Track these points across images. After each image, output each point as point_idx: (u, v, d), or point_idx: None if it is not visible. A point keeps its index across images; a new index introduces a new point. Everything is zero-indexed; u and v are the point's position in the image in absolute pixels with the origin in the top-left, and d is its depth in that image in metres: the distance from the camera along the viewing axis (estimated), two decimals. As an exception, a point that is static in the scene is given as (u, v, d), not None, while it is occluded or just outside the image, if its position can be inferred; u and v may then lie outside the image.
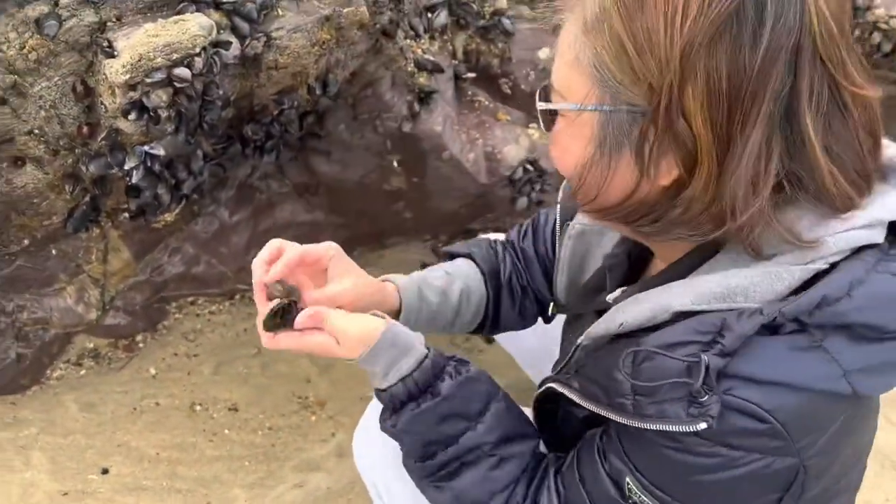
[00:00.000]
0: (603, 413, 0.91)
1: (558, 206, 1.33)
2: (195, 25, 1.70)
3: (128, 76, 1.67)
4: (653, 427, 0.83)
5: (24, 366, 2.26)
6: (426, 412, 1.02)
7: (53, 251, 2.43)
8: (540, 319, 1.51)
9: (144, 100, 1.72)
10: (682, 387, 0.80)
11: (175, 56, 1.68)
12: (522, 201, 2.55)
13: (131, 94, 1.73)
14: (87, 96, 1.91)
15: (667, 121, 0.81)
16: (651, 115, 0.82)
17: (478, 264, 1.41)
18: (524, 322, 1.48)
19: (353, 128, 2.58)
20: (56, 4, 1.73)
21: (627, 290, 1.04)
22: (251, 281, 1.12)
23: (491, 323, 1.44)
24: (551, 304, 1.38)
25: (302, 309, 1.05)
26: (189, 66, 1.72)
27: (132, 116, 1.76)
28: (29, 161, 1.98)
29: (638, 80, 0.82)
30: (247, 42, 1.94)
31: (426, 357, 1.05)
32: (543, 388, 1.08)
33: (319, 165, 2.70)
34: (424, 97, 2.48)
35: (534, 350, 1.63)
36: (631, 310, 0.93)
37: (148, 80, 1.68)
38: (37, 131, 1.93)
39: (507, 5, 2.66)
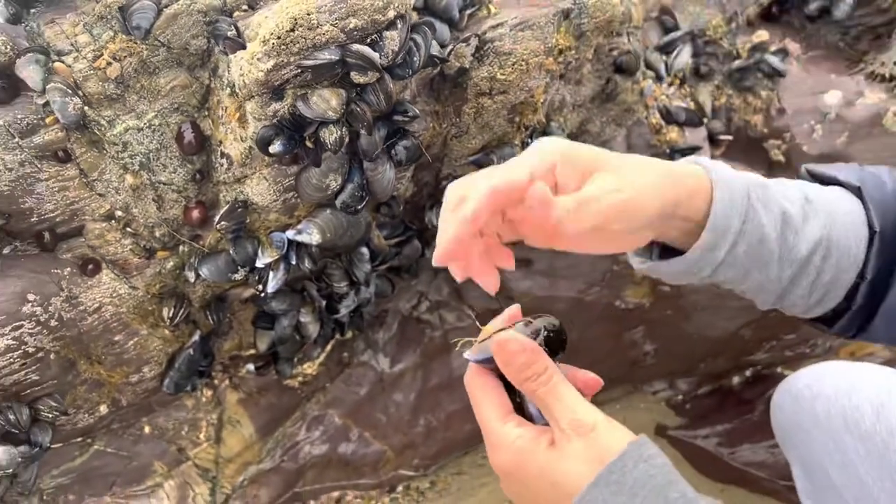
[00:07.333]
0: None
1: None
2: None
3: (271, 61, 0.91)
4: None
5: None
6: None
7: (146, 427, 1.66)
8: None
9: (300, 105, 0.93)
10: None
11: (352, 22, 0.92)
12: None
13: (275, 105, 0.96)
14: (199, 149, 1.16)
15: None
16: None
17: (868, 211, 0.88)
18: None
19: (567, 221, 1.74)
20: (154, -15, 1.03)
21: None
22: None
23: (862, 312, 0.88)
24: None
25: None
26: (374, 45, 0.95)
27: (276, 147, 0.98)
28: (106, 265, 1.22)
29: None
30: (448, 49, 1.18)
31: None
32: None
33: (516, 281, 1.87)
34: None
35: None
36: None
37: (306, 63, 0.90)
38: (120, 213, 1.18)
39: (769, 37, 1.87)
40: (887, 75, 1.80)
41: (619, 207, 0.71)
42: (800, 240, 0.83)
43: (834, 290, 0.86)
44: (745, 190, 0.82)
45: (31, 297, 1.15)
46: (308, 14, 0.91)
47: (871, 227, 0.85)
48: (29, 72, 1.01)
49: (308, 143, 1.02)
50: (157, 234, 1.23)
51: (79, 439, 1.55)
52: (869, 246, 0.85)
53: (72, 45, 1.05)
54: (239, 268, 1.24)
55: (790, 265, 0.84)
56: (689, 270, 0.81)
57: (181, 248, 1.27)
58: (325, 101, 0.94)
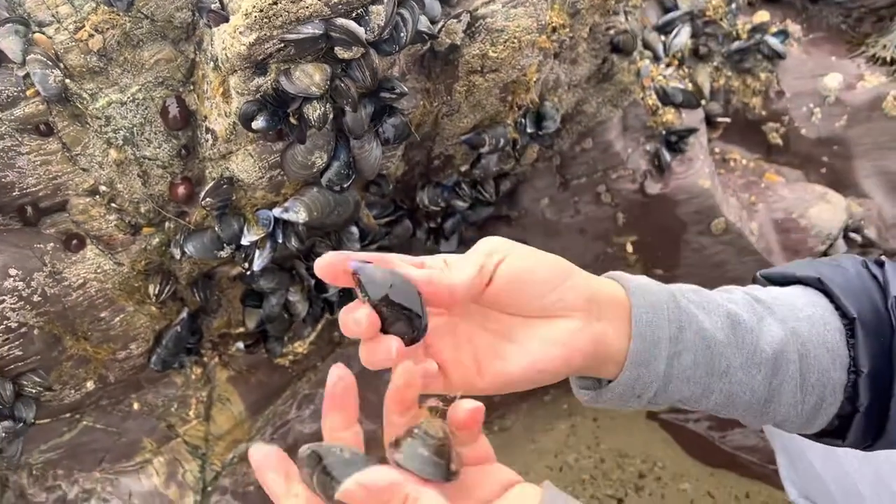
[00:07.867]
0: None
1: None
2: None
3: (253, 34, 0.89)
4: None
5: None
6: None
7: (134, 404, 1.65)
8: None
9: (283, 81, 0.92)
10: None
11: (338, -4, 0.90)
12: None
13: (258, 80, 0.94)
14: (184, 124, 1.14)
15: None
16: None
17: (835, 299, 0.79)
18: None
19: (560, 200, 1.74)
20: (137, -45, 1.01)
21: None
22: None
23: (873, 413, 0.77)
24: None
25: None
26: (359, 20, 0.93)
27: (259, 123, 0.96)
28: (91, 241, 1.21)
29: None
30: (439, 25, 1.16)
31: None
32: None
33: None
34: (676, 141, 1.63)
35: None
36: None
37: (289, 37, 0.89)
38: (104, 188, 1.17)
39: (770, 18, 1.84)
40: (888, 58, 1.77)
41: (495, 241, 0.68)
42: (759, 339, 0.75)
43: (827, 392, 0.77)
44: (670, 296, 0.75)
45: (12, 271, 1.13)
46: (290, -14, 0.89)
47: (845, 314, 0.77)
48: (8, 42, 0.99)
49: (292, 120, 1.00)
50: (143, 209, 1.22)
51: (67, 415, 1.54)
52: (851, 336, 0.76)
53: (53, 15, 1.03)
54: (225, 245, 1.22)
55: (757, 368, 0.75)
56: (632, 392, 0.74)
57: (167, 224, 1.26)
58: (309, 77, 0.92)
